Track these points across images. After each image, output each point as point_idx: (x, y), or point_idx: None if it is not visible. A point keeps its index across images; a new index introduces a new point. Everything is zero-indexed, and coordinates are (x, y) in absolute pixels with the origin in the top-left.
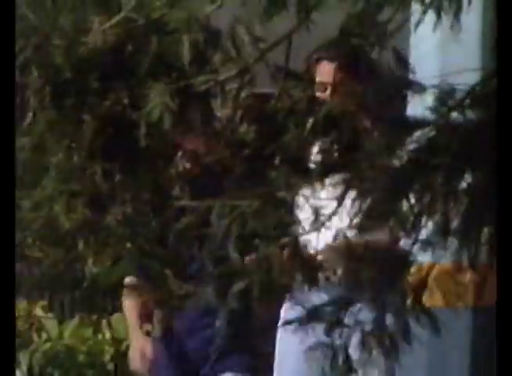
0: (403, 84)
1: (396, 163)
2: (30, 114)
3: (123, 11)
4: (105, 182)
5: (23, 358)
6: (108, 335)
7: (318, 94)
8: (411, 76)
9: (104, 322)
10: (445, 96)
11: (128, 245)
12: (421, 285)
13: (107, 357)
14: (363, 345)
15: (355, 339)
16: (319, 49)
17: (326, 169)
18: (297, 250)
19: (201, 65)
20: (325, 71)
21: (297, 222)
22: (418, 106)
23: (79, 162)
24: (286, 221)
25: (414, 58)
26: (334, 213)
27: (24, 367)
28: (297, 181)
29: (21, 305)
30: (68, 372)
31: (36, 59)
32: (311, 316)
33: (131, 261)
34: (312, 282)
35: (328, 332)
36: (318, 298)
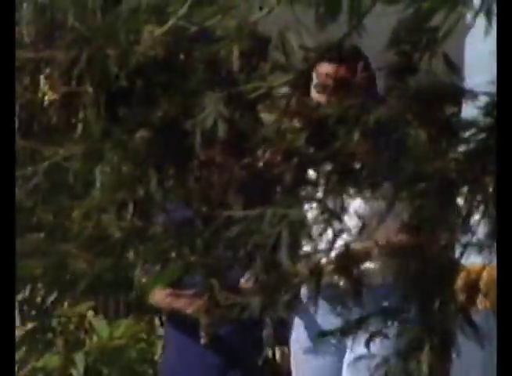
0: (454, 91)
1: (445, 166)
2: (82, 123)
3: (173, 19)
4: (158, 190)
5: (78, 359)
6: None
7: (314, 95)
8: (462, 82)
9: (157, 320)
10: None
11: (175, 254)
12: (474, 288)
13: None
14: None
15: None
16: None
17: (374, 176)
18: (348, 258)
19: (250, 72)
20: (324, 73)
21: (346, 229)
22: (468, 108)
23: (131, 171)
24: (336, 229)
25: (466, 63)
26: (383, 220)
27: (81, 368)
28: (347, 189)
29: (70, 305)
30: (122, 369)
31: (90, 70)
32: (354, 326)
33: (177, 270)
34: (358, 293)
35: (368, 343)
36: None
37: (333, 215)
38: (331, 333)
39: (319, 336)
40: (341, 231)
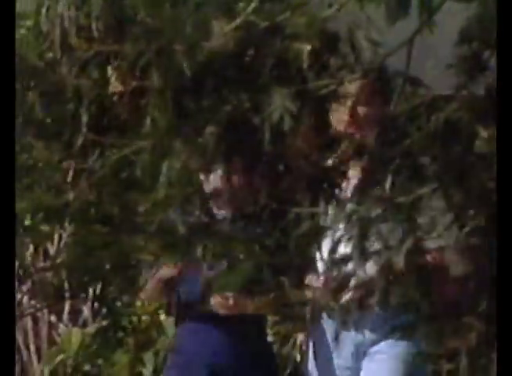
0: None
1: None
2: (150, 117)
3: (243, 14)
4: (224, 186)
5: (147, 358)
6: None
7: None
8: None
9: None
10: None
11: (244, 251)
12: None
13: None
14: None
15: None
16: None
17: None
18: (418, 256)
19: (320, 69)
20: None
21: (416, 227)
22: None
23: (199, 166)
24: (406, 226)
25: None
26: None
27: (150, 367)
28: (417, 186)
29: (141, 305)
30: None
31: (157, 63)
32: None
33: (247, 270)
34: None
35: None
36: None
37: (401, 212)
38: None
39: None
40: (413, 229)
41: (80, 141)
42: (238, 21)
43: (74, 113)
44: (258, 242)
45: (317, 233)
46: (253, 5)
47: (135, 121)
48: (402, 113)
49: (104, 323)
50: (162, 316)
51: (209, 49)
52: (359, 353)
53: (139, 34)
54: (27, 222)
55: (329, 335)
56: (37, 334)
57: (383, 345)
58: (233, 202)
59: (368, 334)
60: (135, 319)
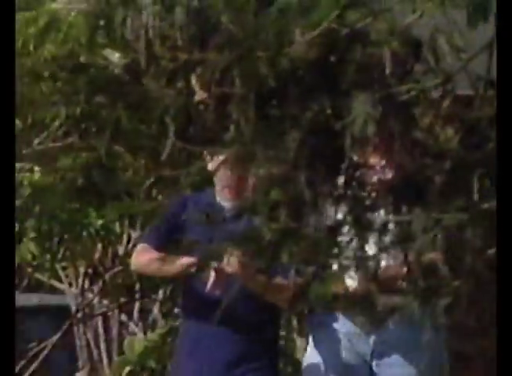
0: None
1: None
2: (233, 125)
3: (325, 22)
4: (308, 191)
5: None
6: None
7: None
8: None
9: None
10: None
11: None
12: None
13: None
14: None
15: None
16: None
17: None
18: None
19: (402, 75)
20: None
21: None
22: None
23: (282, 172)
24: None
25: None
26: None
27: None
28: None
29: None
30: None
31: (240, 71)
32: None
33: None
34: None
35: None
36: None
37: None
38: None
39: None
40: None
41: (167, 150)
42: (320, 28)
43: (160, 122)
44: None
45: (405, 241)
46: (335, 12)
47: (220, 129)
48: (485, 117)
49: (173, 323)
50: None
51: (291, 56)
52: (376, 352)
53: (223, 42)
54: (100, 222)
55: (349, 330)
56: (107, 334)
57: (400, 360)
58: None
59: (389, 337)
60: None
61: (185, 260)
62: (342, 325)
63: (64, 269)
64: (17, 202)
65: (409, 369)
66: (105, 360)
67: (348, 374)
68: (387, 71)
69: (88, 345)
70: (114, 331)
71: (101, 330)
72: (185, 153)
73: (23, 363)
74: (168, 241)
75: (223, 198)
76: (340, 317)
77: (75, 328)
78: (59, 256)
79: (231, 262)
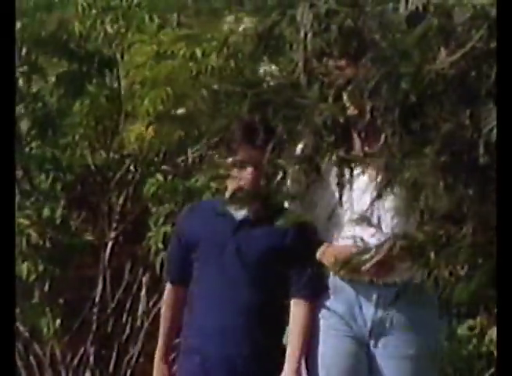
0: None
1: None
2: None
3: (471, 41)
4: (448, 197)
5: None
6: None
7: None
8: None
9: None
10: None
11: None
12: None
13: None
14: None
15: None
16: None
17: None
18: None
19: None
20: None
21: None
22: None
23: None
24: None
25: None
26: None
27: None
28: None
29: None
30: None
31: (386, 86)
32: None
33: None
34: None
35: None
36: None
37: None
38: None
39: None
40: None
41: (326, 159)
42: (465, 49)
43: (317, 132)
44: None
45: None
46: (480, 33)
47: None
48: None
49: None
50: None
51: (432, 73)
52: (374, 333)
53: (372, 59)
54: None
55: (344, 307)
56: None
57: (401, 340)
58: None
59: (388, 316)
60: None
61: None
62: (336, 307)
63: None
64: None
65: (407, 349)
66: None
67: (346, 358)
68: None
69: None
70: None
71: None
72: None
73: None
74: (183, 269)
75: (235, 207)
76: (333, 299)
77: None
78: None
79: None
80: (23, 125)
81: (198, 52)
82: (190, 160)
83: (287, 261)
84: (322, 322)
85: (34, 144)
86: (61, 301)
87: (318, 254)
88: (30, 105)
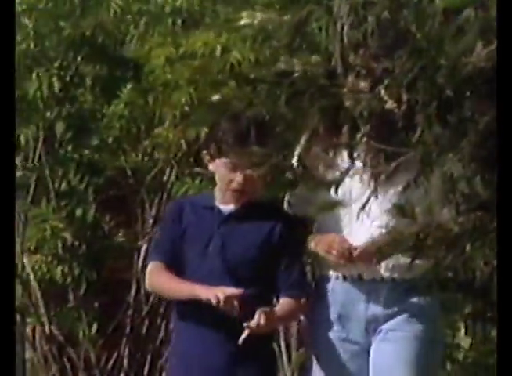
0: None
1: None
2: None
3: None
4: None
5: None
6: None
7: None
8: None
9: None
10: None
11: None
12: None
13: None
14: None
15: None
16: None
17: None
18: None
19: None
20: None
21: None
22: None
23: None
24: None
25: None
26: None
27: None
28: None
29: None
30: None
31: (421, 79)
32: None
33: None
34: None
35: None
36: None
37: None
38: None
39: None
40: None
41: (363, 149)
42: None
43: (353, 124)
44: None
45: None
46: None
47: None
48: None
49: None
50: None
51: (469, 65)
52: (370, 329)
53: (409, 52)
54: None
55: (336, 309)
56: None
57: (396, 322)
58: None
59: (381, 309)
60: None
61: (201, 292)
62: (328, 308)
63: None
64: None
65: (404, 332)
66: (285, 359)
67: (344, 361)
68: None
69: None
70: (293, 329)
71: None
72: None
73: None
74: (175, 253)
75: (223, 201)
76: (325, 301)
77: None
78: None
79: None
80: (59, 128)
81: (218, 50)
82: None
83: (274, 258)
84: (315, 328)
85: (69, 147)
86: (96, 304)
87: (312, 245)
88: (64, 108)
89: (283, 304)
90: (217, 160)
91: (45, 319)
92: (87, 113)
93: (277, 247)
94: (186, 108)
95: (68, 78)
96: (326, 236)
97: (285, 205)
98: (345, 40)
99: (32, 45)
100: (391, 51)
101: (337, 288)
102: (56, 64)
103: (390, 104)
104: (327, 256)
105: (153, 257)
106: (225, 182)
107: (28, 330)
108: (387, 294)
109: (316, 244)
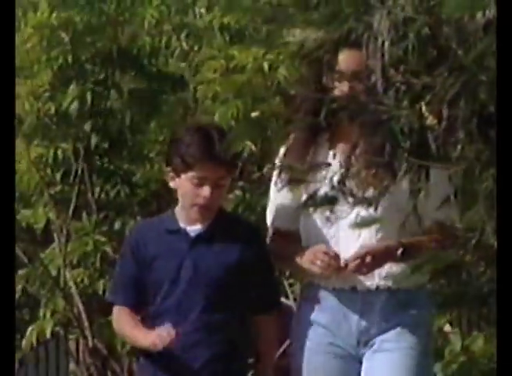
0: None
1: None
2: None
3: None
4: None
5: (437, 369)
6: None
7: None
8: None
9: None
10: None
11: None
12: None
13: None
14: None
15: None
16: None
17: None
18: None
19: None
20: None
21: None
22: None
23: None
24: None
25: None
26: None
27: None
28: None
29: None
30: None
31: (463, 94)
32: None
33: None
34: None
35: None
36: None
37: None
38: None
39: None
40: None
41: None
42: None
43: (394, 143)
44: None
45: None
46: None
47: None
48: None
49: None
50: (446, 327)
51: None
52: (362, 341)
53: (449, 68)
54: None
55: (328, 319)
56: None
57: (391, 334)
58: None
59: (375, 322)
60: None
61: (141, 342)
62: (320, 318)
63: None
64: None
65: (396, 343)
66: None
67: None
68: None
69: None
70: None
71: None
72: None
73: None
74: (138, 291)
75: (188, 221)
76: (318, 309)
77: None
78: None
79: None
80: (93, 140)
81: (265, 66)
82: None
83: (246, 276)
84: (305, 336)
85: (109, 160)
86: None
87: (303, 260)
88: (100, 120)
89: (260, 323)
90: (182, 176)
91: (87, 332)
92: (126, 126)
93: (248, 265)
94: (232, 122)
95: (105, 91)
96: (310, 248)
97: (267, 219)
98: (386, 56)
99: (70, 60)
100: (432, 67)
101: (330, 298)
102: (92, 78)
103: (430, 120)
104: (312, 268)
105: (114, 299)
106: (190, 197)
107: (71, 343)
108: (382, 305)
109: (300, 256)
